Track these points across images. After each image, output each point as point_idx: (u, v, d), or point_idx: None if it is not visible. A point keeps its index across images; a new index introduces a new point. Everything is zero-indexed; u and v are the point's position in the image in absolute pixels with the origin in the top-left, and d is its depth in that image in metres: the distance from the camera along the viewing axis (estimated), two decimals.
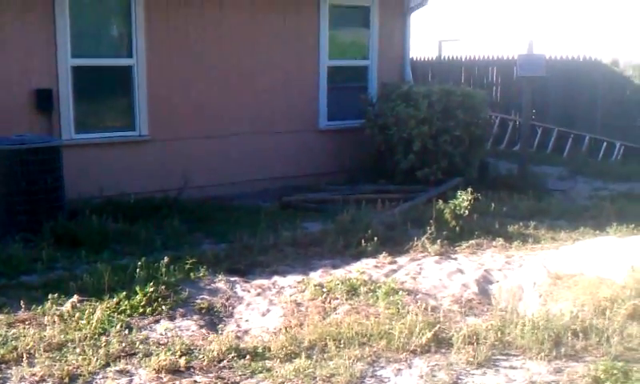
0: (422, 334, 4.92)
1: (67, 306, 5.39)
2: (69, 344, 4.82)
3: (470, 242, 7.52)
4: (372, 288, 6.05)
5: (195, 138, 10.02)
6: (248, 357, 4.71)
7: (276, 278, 6.48)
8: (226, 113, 10.29)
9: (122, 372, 4.53)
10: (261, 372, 4.53)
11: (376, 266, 6.83)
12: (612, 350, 4.74)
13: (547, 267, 6.40)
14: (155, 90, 9.61)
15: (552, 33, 17.58)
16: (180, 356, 4.66)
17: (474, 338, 4.94)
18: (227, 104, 10.27)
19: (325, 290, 6.02)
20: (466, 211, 7.92)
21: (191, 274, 6.27)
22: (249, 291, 6.11)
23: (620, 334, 4.92)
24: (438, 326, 5.08)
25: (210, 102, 10.12)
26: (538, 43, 11.74)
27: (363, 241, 7.29)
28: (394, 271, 6.68)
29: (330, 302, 5.78)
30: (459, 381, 4.43)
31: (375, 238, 7.29)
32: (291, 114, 10.87)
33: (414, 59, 17.11)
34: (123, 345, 4.84)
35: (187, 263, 6.34)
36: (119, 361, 4.65)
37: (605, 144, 14.45)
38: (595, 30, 17.23)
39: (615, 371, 4.41)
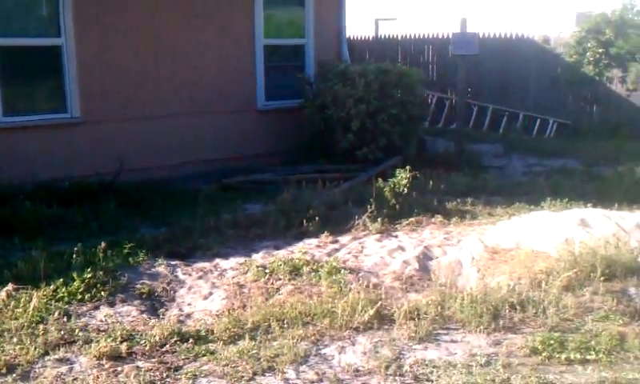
0: (365, 312, 4.98)
1: (2, 294, 5.21)
2: (5, 334, 4.70)
3: (410, 219, 7.61)
4: (315, 268, 6.07)
5: (130, 120, 9.80)
6: (191, 340, 4.67)
7: (218, 260, 6.42)
8: (162, 94, 10.09)
9: (61, 360, 4.44)
10: (204, 355, 4.50)
11: (318, 246, 6.85)
12: (548, 321, 4.89)
13: (484, 242, 6.55)
14: (86, 71, 9.34)
15: (485, 10, 17.84)
16: (121, 342, 4.60)
17: (415, 313, 5.03)
18: (162, 85, 10.07)
19: (267, 271, 6.01)
20: (405, 189, 8.00)
21: (130, 258, 6.17)
22: (190, 274, 6.04)
23: (556, 305, 5.09)
24: (380, 302, 5.14)
25: (144, 83, 9.90)
26: (471, 21, 11.88)
27: (305, 221, 7.30)
28: (337, 250, 6.72)
29: (272, 283, 5.78)
30: (401, 356, 4.50)
31: (317, 218, 7.31)
32: (229, 94, 10.74)
33: (352, 38, 17.15)
34: (62, 333, 4.74)
35: (125, 248, 6.23)
36: (58, 349, 4.55)
37: (538, 121, 14.81)
38: (527, 7, 17.55)
39: (552, 341, 4.56)
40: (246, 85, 11.00)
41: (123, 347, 4.52)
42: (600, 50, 14.20)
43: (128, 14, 9.64)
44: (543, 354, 4.45)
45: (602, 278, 5.42)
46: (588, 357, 4.42)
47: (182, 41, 10.18)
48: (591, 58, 14.31)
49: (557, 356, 4.42)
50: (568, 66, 14.76)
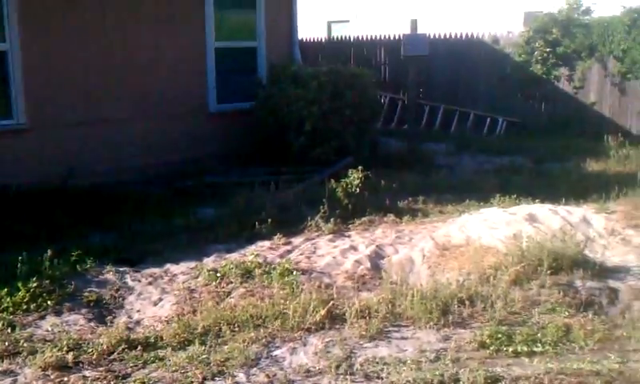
0: (316, 312, 4.98)
1: None
2: None
3: (363, 219, 7.66)
4: (267, 270, 6.04)
5: (79, 124, 9.61)
6: (140, 347, 4.61)
7: (168, 265, 6.35)
8: (112, 98, 9.92)
9: (5, 372, 4.33)
10: (153, 362, 4.45)
11: (271, 248, 6.83)
12: (496, 315, 4.96)
13: (435, 239, 6.61)
14: (33, 76, 9.13)
15: (436, 11, 18.00)
16: (67, 351, 4.51)
17: (367, 311, 5.05)
18: (112, 89, 9.91)
19: (219, 274, 5.97)
20: (358, 189, 8.05)
21: (77, 266, 6.05)
22: (139, 281, 5.96)
23: (504, 299, 5.16)
24: (332, 302, 5.16)
25: (93, 88, 9.72)
26: (422, 22, 11.99)
27: (258, 223, 7.27)
28: (289, 252, 6.71)
29: (224, 287, 5.75)
30: (352, 354, 4.51)
31: (270, 220, 7.28)
32: (180, 97, 10.62)
33: (304, 40, 17.14)
34: (6, 344, 4.63)
35: (73, 255, 6.10)
36: (2, 361, 4.45)
37: (489, 120, 15.01)
38: (476, 7, 17.75)
39: (500, 335, 4.63)
40: (198, 88, 10.91)
41: (70, 357, 4.44)
42: (547, 50, 14.49)
43: (76, 17, 9.46)
44: (491, 348, 4.51)
45: (549, 272, 5.53)
46: (535, 349, 4.50)
47: (131, 44, 10.03)
48: (539, 58, 14.59)
49: (504, 349, 4.49)
50: (517, 65, 15.01)
